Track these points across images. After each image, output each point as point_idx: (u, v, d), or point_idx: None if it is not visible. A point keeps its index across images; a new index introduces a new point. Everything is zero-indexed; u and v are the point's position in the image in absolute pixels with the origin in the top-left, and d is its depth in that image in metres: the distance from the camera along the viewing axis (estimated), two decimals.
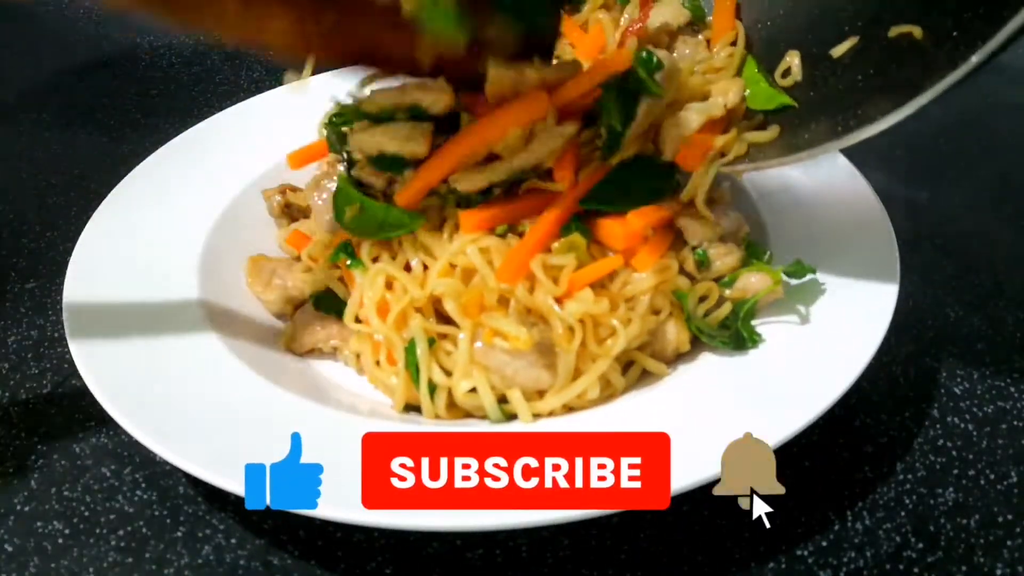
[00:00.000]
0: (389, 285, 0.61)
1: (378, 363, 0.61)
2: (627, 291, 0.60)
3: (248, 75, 1.06)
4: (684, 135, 0.63)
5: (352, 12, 0.58)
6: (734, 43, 0.69)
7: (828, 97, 0.61)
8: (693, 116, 0.63)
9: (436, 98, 0.61)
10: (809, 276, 0.62)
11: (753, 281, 0.62)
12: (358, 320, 0.62)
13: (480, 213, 0.61)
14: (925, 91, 0.48)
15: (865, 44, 0.60)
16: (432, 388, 0.58)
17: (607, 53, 0.65)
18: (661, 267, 0.61)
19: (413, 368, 0.58)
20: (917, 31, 0.55)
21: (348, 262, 0.63)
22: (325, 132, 0.72)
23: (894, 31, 0.56)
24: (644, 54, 0.62)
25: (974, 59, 0.46)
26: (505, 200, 0.62)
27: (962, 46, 0.47)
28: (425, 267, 0.62)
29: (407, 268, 0.62)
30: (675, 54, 0.70)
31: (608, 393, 0.58)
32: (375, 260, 0.63)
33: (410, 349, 0.58)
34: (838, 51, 0.61)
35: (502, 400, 0.57)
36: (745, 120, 0.66)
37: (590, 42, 0.72)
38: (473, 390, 0.57)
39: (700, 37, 0.71)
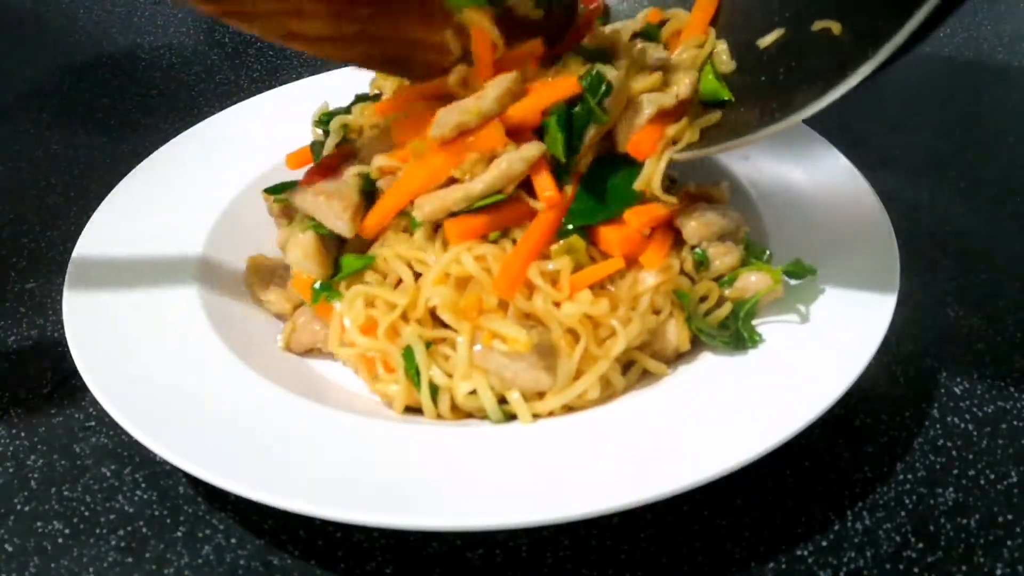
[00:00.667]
0: (372, 303, 0.61)
1: (377, 377, 0.61)
2: (631, 291, 0.60)
3: (248, 75, 1.06)
4: (637, 126, 0.63)
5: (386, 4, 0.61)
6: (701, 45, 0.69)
7: (756, 87, 0.64)
8: (645, 108, 0.63)
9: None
10: (809, 276, 0.62)
11: (753, 281, 0.62)
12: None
13: (466, 222, 0.60)
14: (839, 83, 0.52)
15: (790, 36, 0.64)
16: (434, 390, 0.58)
17: (499, 52, 0.63)
18: (664, 267, 0.61)
19: (413, 372, 0.58)
20: (836, 27, 0.59)
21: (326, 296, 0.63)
22: (320, 131, 0.73)
23: (817, 25, 0.60)
24: (593, 79, 0.61)
25: (882, 53, 0.49)
26: (493, 207, 0.61)
27: (873, 41, 0.50)
28: (418, 275, 0.61)
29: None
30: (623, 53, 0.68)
31: (608, 393, 0.58)
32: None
33: (407, 355, 0.58)
34: (764, 42, 0.65)
35: (502, 401, 0.57)
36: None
37: (478, 45, 0.64)
38: (473, 392, 0.57)
39: (660, 44, 0.70)
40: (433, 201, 0.60)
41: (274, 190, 0.71)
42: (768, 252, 0.65)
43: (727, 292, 0.62)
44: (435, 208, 0.60)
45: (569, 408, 0.57)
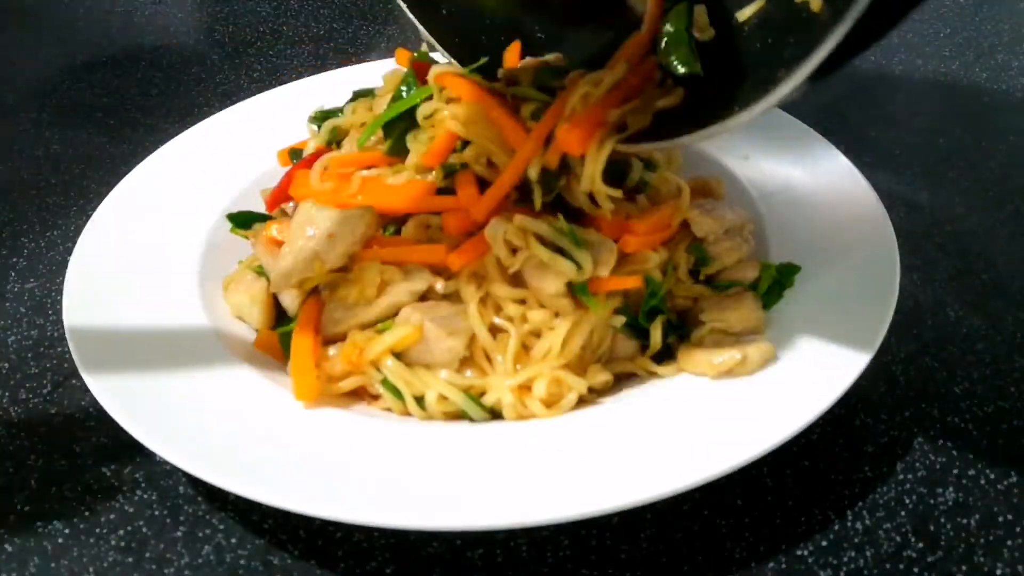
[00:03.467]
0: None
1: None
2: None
3: (248, 75, 1.06)
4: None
5: None
6: None
7: (731, 63, 0.57)
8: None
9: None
10: (809, 276, 0.62)
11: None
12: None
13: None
14: (803, 62, 0.43)
15: (770, 10, 0.56)
16: (419, 399, 0.57)
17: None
18: (643, 256, 0.60)
19: (391, 388, 0.57)
20: (817, 1, 0.50)
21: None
22: (316, 127, 0.74)
23: None
24: None
25: (842, 27, 0.41)
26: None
27: (837, 15, 0.41)
28: None
29: None
30: None
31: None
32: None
33: (384, 382, 0.58)
34: (744, 14, 0.58)
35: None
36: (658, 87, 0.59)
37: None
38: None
39: None
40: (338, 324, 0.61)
41: (239, 221, 0.70)
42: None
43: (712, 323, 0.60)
44: (338, 331, 0.60)
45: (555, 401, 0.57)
